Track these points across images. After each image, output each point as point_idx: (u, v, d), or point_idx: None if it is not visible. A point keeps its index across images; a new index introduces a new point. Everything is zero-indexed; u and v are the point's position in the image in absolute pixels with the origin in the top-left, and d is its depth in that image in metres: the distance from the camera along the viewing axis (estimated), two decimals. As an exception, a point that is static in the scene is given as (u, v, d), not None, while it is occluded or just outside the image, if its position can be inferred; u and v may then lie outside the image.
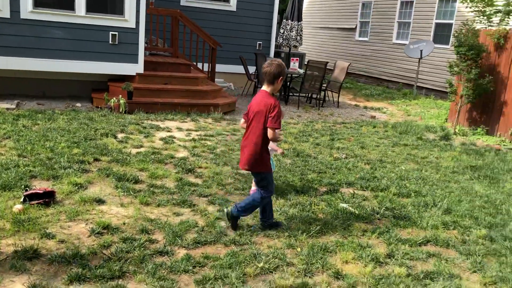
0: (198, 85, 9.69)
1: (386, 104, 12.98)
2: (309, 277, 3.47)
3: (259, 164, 4.04)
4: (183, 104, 9.06)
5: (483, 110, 9.42)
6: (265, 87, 4.03)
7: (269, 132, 3.91)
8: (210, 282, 3.26)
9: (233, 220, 4.13)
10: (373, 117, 10.81)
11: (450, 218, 4.83)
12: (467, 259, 3.98)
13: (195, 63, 10.62)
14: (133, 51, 9.02)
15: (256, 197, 4.13)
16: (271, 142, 4.46)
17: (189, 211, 4.48)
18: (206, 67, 10.98)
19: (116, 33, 8.83)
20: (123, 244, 3.69)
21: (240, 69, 12.19)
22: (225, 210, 4.17)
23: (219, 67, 11.97)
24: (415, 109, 12.29)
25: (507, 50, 8.80)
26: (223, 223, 4.26)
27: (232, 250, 3.76)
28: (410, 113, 11.69)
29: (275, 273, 3.46)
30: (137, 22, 8.89)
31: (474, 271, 3.78)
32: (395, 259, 3.85)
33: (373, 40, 16.98)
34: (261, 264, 3.52)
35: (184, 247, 3.76)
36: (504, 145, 8.69)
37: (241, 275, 3.37)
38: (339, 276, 3.50)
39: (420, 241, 4.23)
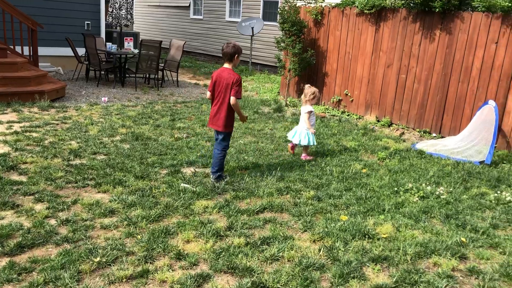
0: (18, 71, 8.67)
1: (224, 81, 13.29)
2: (150, 263, 3.40)
3: (228, 125, 5.07)
4: (2, 94, 8.05)
5: (309, 81, 10.26)
6: (227, 65, 5.04)
7: (232, 99, 4.90)
8: (39, 287, 2.97)
9: (218, 181, 5.09)
10: (213, 94, 10.99)
11: (284, 184, 5.19)
12: (298, 220, 4.32)
13: (12, 47, 9.46)
14: None
15: (217, 153, 5.11)
16: (308, 124, 6.12)
17: (11, 213, 4.01)
18: (26, 50, 9.88)
19: None
20: None
21: (69, 51, 11.26)
22: (211, 181, 5.09)
23: (44, 50, 10.92)
24: (251, 84, 12.85)
25: (324, 25, 9.67)
26: (53, 221, 3.92)
27: (65, 248, 3.48)
28: (247, 88, 12.18)
29: (113, 265, 3.31)
30: None
31: (305, 230, 4.12)
32: (235, 230, 4.00)
33: (207, 18, 17.15)
34: (98, 259, 3.34)
35: (6, 254, 3.35)
36: (328, 112, 9.63)
37: (76, 274, 3.15)
38: (181, 257, 3.50)
39: (257, 210, 4.46)
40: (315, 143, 6.34)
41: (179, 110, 8.88)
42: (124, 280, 3.16)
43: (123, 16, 11.26)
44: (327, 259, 3.61)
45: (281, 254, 3.63)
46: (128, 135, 6.76)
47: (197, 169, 5.53)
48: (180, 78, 12.59)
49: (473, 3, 7.39)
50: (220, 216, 4.31)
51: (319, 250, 3.73)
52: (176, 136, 6.94)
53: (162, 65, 11.56)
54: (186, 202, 4.50)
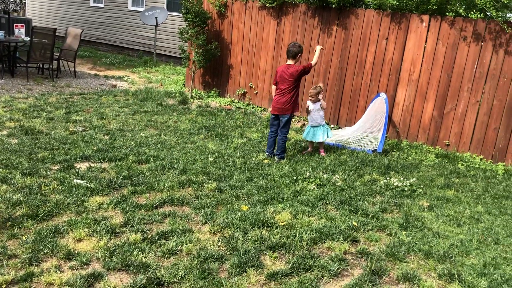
0: None
1: (128, 72, 12.81)
2: (36, 265, 3.15)
3: (295, 108, 5.99)
4: None
5: (214, 74, 10.23)
6: (290, 61, 5.88)
7: (312, 64, 5.99)
8: None
9: (281, 159, 6.02)
10: (114, 86, 10.53)
11: (186, 177, 5.11)
12: (199, 212, 4.28)
13: None
14: None
15: (281, 139, 5.97)
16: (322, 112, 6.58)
17: None
18: None
19: None
20: None
21: None
22: (276, 160, 6.01)
23: None
24: (156, 76, 12.51)
25: (228, 17, 9.67)
26: None
27: None
28: (152, 80, 11.85)
29: (-9, 271, 3.02)
30: None
31: (205, 222, 4.09)
32: (131, 226, 3.85)
33: (108, 7, 16.35)
34: (-27, 265, 3.03)
35: None
36: (233, 105, 9.67)
37: None
38: (71, 257, 3.30)
39: (156, 204, 4.34)
40: (331, 135, 6.80)
41: (75, 102, 8.37)
42: (3, 286, 2.89)
43: (11, 0, 10.34)
44: (226, 250, 3.61)
45: (179, 248, 3.57)
46: (16, 129, 6.23)
47: (92, 164, 5.25)
48: (78, 69, 11.89)
49: (366, 1, 7.82)
50: (116, 212, 4.13)
51: (219, 241, 3.72)
52: (71, 129, 6.53)
53: (58, 54, 10.81)
54: (79, 199, 4.25)
